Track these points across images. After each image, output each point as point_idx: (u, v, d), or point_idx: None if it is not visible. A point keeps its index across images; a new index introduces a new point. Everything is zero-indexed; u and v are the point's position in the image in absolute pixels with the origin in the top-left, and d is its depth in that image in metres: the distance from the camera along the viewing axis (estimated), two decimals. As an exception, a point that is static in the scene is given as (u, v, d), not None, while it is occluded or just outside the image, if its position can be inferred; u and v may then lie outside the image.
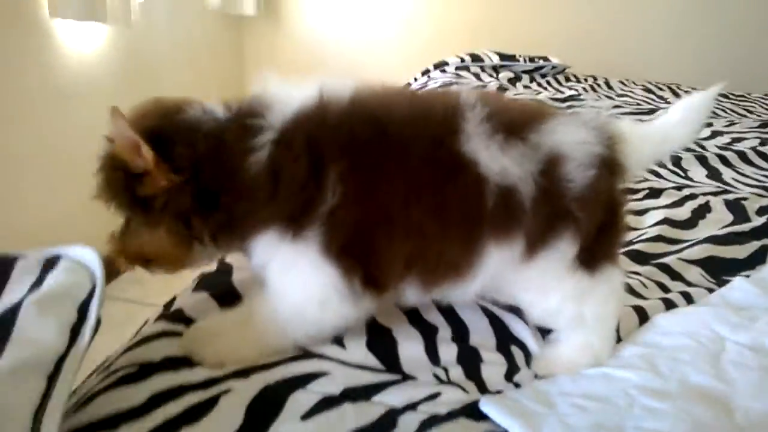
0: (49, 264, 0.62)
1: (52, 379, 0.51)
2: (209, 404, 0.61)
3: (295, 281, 0.66)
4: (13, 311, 0.54)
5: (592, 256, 0.68)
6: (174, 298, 0.83)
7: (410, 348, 0.73)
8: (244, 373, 0.66)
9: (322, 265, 0.63)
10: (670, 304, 0.88)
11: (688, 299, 0.90)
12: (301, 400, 0.62)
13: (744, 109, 2.09)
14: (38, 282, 0.59)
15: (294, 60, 3.00)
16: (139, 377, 0.64)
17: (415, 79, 2.23)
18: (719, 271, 0.99)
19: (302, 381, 0.65)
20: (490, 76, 2.21)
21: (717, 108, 2.08)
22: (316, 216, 0.61)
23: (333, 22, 2.91)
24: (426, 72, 2.26)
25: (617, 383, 0.70)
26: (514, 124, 0.64)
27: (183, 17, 2.59)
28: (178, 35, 2.56)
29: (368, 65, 2.92)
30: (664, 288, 0.93)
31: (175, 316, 0.76)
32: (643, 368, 0.72)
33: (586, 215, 0.65)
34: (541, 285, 0.70)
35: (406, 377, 0.68)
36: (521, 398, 0.66)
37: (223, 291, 0.81)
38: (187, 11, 2.62)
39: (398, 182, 0.62)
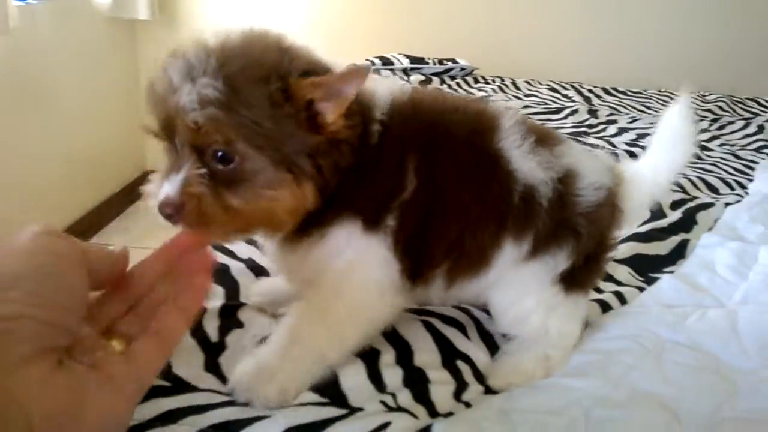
0: None
1: None
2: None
3: (362, 273, 0.64)
4: None
5: (573, 279, 0.72)
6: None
7: (352, 377, 0.68)
8: (171, 418, 0.59)
9: (390, 257, 0.64)
10: (605, 306, 0.88)
11: (621, 299, 0.91)
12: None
13: (643, 106, 2.18)
14: None
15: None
16: None
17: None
18: (645, 268, 1.01)
19: (240, 426, 0.59)
20: (401, 79, 2.19)
21: (618, 104, 2.17)
22: (393, 209, 0.63)
23: (231, 24, 2.80)
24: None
25: (571, 394, 0.68)
26: (542, 134, 0.71)
27: (69, 22, 2.40)
28: (66, 41, 2.37)
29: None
30: (597, 288, 0.93)
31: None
32: (595, 376, 0.71)
33: (587, 233, 0.70)
34: (524, 287, 0.72)
35: (352, 410, 0.63)
36: (480, 420, 0.63)
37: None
38: (73, 16, 2.43)
39: (454, 174, 0.65)
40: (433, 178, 0.63)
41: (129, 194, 2.88)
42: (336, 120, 0.58)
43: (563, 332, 0.74)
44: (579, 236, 0.70)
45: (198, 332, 0.72)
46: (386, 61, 2.26)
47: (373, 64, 2.23)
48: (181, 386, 0.65)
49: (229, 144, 0.54)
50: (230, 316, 0.76)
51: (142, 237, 2.65)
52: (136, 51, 2.87)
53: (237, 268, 0.86)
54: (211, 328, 0.73)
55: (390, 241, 0.63)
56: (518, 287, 0.72)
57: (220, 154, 0.54)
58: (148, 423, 0.59)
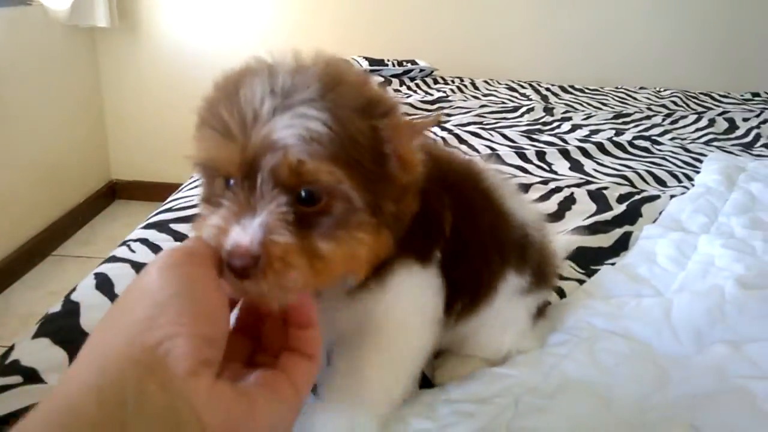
0: None
1: None
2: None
3: (422, 306, 0.62)
4: None
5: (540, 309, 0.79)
6: (10, 348, 0.72)
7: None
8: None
9: (440, 286, 0.62)
10: (544, 300, 0.89)
11: (561, 294, 0.91)
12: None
13: (599, 102, 2.21)
14: None
15: (156, 72, 2.84)
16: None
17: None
18: (587, 261, 1.02)
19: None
20: (360, 81, 2.19)
21: (574, 102, 2.20)
22: (439, 245, 0.61)
23: (193, 31, 2.78)
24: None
25: (503, 382, 0.69)
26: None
27: (25, 30, 2.37)
28: (22, 50, 2.34)
29: (236, 75, 2.82)
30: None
31: (10, 368, 0.66)
32: (528, 366, 0.71)
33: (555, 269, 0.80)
34: (513, 320, 0.75)
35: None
36: (406, 415, 0.63)
37: (70, 335, 0.72)
38: (31, 24, 2.40)
39: (473, 212, 0.66)
40: (461, 216, 0.63)
41: (92, 205, 2.85)
42: (418, 164, 0.54)
43: (521, 350, 0.77)
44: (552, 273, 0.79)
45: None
46: (373, 62, 2.27)
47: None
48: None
49: (334, 185, 0.45)
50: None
51: (105, 249, 2.61)
52: (96, 59, 2.84)
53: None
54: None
55: (439, 272, 0.62)
56: (506, 320, 0.74)
57: (305, 193, 0.45)
58: None
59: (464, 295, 0.67)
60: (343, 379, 0.59)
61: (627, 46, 2.69)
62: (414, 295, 0.60)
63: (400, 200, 0.52)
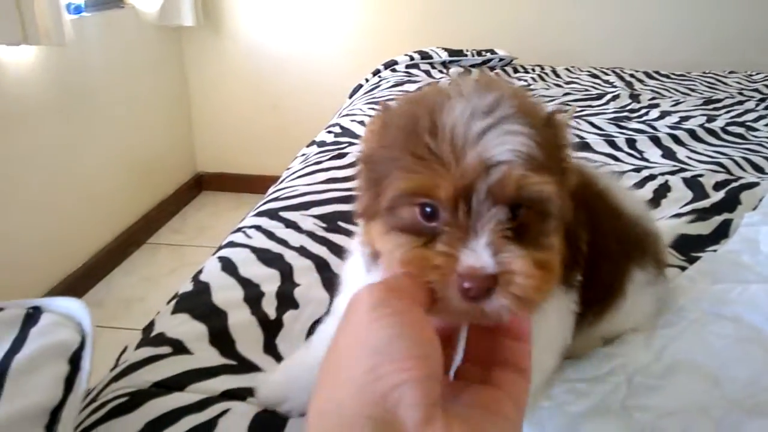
0: (30, 318, 0.60)
1: (50, 428, 0.50)
2: (209, 427, 0.59)
3: (559, 334, 0.63)
4: (1, 373, 0.52)
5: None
6: (151, 323, 0.80)
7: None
8: (240, 394, 0.65)
9: (572, 314, 0.63)
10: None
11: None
12: (298, 427, 0.61)
13: (687, 88, 2.16)
14: (21, 338, 0.57)
15: (238, 69, 2.95)
16: (130, 406, 0.62)
17: (367, 80, 2.23)
18: (688, 248, 1.02)
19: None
20: (440, 72, 2.22)
21: (661, 88, 2.15)
22: (580, 265, 0.61)
23: (276, 27, 2.87)
24: (377, 72, 2.26)
25: (614, 361, 0.71)
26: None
27: (119, 32, 2.51)
28: (116, 51, 2.49)
29: (316, 70, 2.90)
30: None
31: (158, 340, 0.73)
32: (637, 346, 0.73)
33: None
34: (639, 312, 0.78)
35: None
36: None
37: (206, 311, 0.78)
38: (122, 26, 2.54)
39: (603, 226, 0.66)
40: (591, 230, 0.62)
41: (181, 196, 2.99)
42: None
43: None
44: None
45: (258, 312, 0.78)
46: (425, 55, 2.29)
47: (412, 58, 2.27)
48: (245, 365, 0.71)
49: (549, 195, 0.45)
50: (286, 297, 0.82)
51: (195, 237, 2.75)
52: (183, 58, 2.98)
53: (290, 255, 0.92)
54: (270, 308, 0.79)
55: (576, 297, 0.62)
56: (634, 312, 0.75)
57: (514, 208, 0.45)
58: (219, 397, 0.65)
59: (595, 306, 0.66)
60: None
61: (714, 30, 2.60)
62: (558, 319, 0.61)
63: (568, 201, 0.51)
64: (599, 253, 0.63)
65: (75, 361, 0.57)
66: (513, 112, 0.45)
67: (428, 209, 0.45)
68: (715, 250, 1.01)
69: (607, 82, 2.21)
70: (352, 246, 0.63)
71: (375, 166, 0.49)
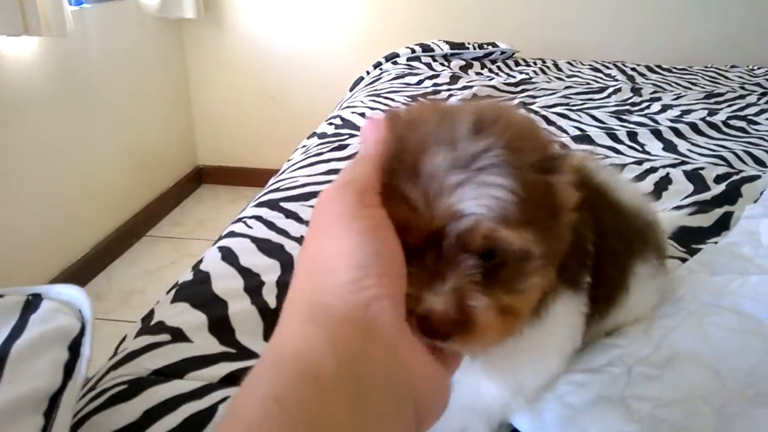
0: (30, 305, 0.60)
1: (49, 414, 0.50)
2: (208, 414, 0.59)
3: (570, 336, 0.63)
4: (1, 359, 0.52)
5: None
6: (151, 312, 0.80)
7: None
8: (239, 380, 0.65)
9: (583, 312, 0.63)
10: (647, 276, 0.90)
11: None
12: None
13: (688, 82, 2.15)
14: (20, 325, 0.57)
15: (239, 61, 2.95)
16: (130, 394, 0.62)
17: (368, 73, 2.22)
18: (688, 240, 1.02)
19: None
20: (442, 65, 2.22)
21: (662, 82, 2.15)
22: (588, 267, 0.62)
23: (277, 20, 2.87)
24: (378, 65, 2.25)
25: (613, 351, 0.71)
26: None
27: (120, 24, 2.51)
28: (116, 42, 2.48)
29: (316, 62, 2.89)
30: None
31: (157, 328, 0.73)
32: (637, 337, 0.73)
33: None
34: (642, 305, 0.78)
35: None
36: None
37: (206, 300, 0.78)
38: (123, 17, 2.54)
39: (604, 223, 0.64)
40: (595, 229, 0.62)
41: (181, 189, 2.99)
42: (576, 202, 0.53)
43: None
44: None
45: (258, 301, 0.78)
46: (426, 48, 2.29)
47: (413, 51, 2.26)
48: (244, 353, 0.71)
49: (518, 249, 0.45)
50: (286, 285, 0.81)
51: (194, 230, 2.76)
52: (183, 51, 2.97)
53: (291, 245, 0.92)
54: (271, 297, 0.79)
55: (585, 298, 0.62)
56: (638, 305, 0.76)
57: (486, 252, 0.45)
58: (219, 384, 0.65)
59: (601, 303, 0.66)
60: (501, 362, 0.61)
61: (716, 24, 2.60)
62: (568, 324, 0.62)
63: (563, 239, 0.51)
64: (602, 251, 0.63)
65: (75, 347, 0.57)
66: (498, 161, 0.44)
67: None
68: (715, 242, 1.01)
69: (608, 75, 2.20)
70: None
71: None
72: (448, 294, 0.44)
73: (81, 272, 2.25)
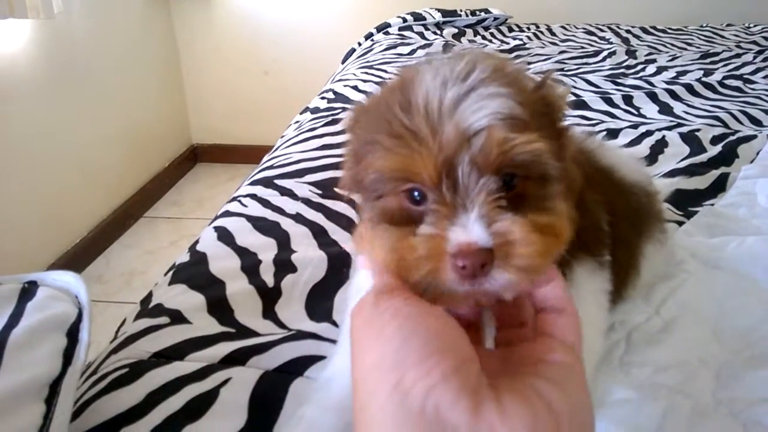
0: (26, 292, 0.60)
1: (50, 401, 0.50)
2: (210, 397, 0.60)
3: (600, 308, 0.62)
4: None
5: None
6: (149, 295, 0.80)
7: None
8: (240, 359, 0.65)
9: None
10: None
11: (661, 233, 0.92)
12: (301, 391, 0.61)
13: (683, 43, 2.13)
14: (17, 314, 0.57)
15: (229, 36, 2.90)
16: (131, 377, 0.62)
17: (359, 44, 2.19)
18: (685, 203, 1.01)
19: (300, 366, 0.64)
20: (434, 33, 2.19)
21: (657, 43, 2.12)
22: (607, 243, 0.61)
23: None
24: (369, 36, 2.23)
25: (613, 318, 0.71)
26: None
27: (107, 3, 2.47)
28: (104, 22, 2.44)
29: (307, 35, 2.85)
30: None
31: (156, 310, 0.73)
32: (636, 301, 0.74)
33: None
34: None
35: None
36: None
37: (203, 281, 0.78)
38: (110, -2, 2.50)
39: (616, 207, 0.64)
40: (611, 210, 0.62)
41: (177, 169, 2.98)
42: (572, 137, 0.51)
43: None
44: None
45: (256, 280, 0.78)
46: (418, 17, 2.26)
47: (405, 20, 2.23)
48: (244, 332, 0.71)
49: (538, 156, 0.42)
50: (284, 263, 0.82)
51: (192, 210, 2.75)
52: (172, 28, 2.93)
53: (286, 223, 0.92)
54: (268, 276, 0.79)
55: (608, 275, 0.61)
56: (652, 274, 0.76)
57: (505, 178, 0.42)
58: (219, 364, 0.65)
59: (615, 288, 0.65)
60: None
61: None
62: (596, 302, 0.60)
63: (570, 176, 0.49)
64: (615, 237, 0.62)
65: (73, 333, 0.57)
66: (489, 74, 0.43)
67: (415, 193, 0.42)
68: (712, 204, 1.01)
69: (603, 38, 2.18)
70: (358, 264, 0.61)
71: (355, 150, 0.48)
72: (475, 222, 0.39)
73: (80, 256, 2.25)
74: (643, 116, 1.42)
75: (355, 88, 1.57)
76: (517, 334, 0.43)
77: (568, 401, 0.34)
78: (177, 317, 0.71)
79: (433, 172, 0.41)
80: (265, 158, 1.23)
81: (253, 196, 1.01)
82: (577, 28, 2.33)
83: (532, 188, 0.43)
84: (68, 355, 0.55)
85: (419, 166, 0.41)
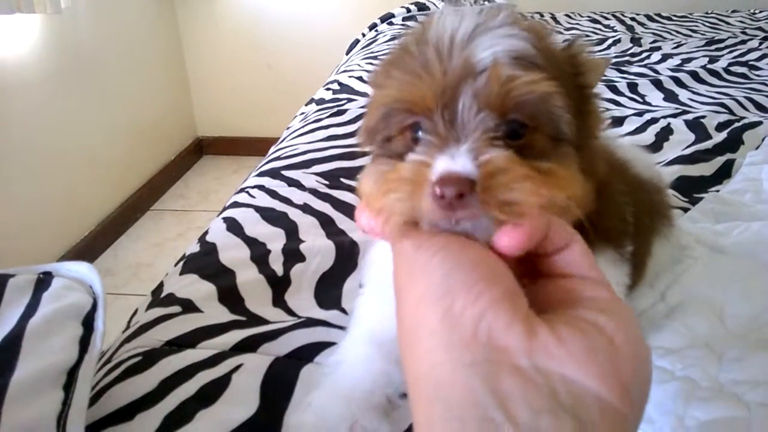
0: (42, 283, 0.61)
1: (68, 388, 0.51)
2: (222, 383, 0.61)
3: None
4: (17, 337, 0.53)
5: None
6: (160, 285, 0.81)
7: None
8: (251, 346, 0.66)
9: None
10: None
11: (666, 220, 0.93)
12: (311, 377, 0.62)
13: (688, 30, 2.12)
14: (34, 304, 0.58)
15: (233, 29, 2.91)
16: (144, 365, 0.63)
17: (363, 35, 2.19)
18: (690, 189, 1.02)
19: (310, 353, 0.65)
20: (438, 23, 2.18)
21: (662, 30, 2.12)
22: (630, 242, 0.60)
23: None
24: (373, 26, 2.22)
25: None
26: None
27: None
28: (111, 17, 2.45)
29: (311, 26, 2.85)
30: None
31: (168, 300, 0.75)
32: (642, 288, 0.74)
33: None
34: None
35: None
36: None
37: (214, 271, 0.79)
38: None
39: (636, 203, 0.62)
40: (634, 202, 0.62)
41: (183, 162, 2.99)
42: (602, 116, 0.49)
43: None
44: None
45: (266, 270, 0.79)
46: (422, 6, 2.26)
47: (409, 10, 2.23)
48: (254, 320, 0.72)
49: (546, 101, 0.40)
50: (292, 253, 0.83)
51: (199, 202, 2.76)
52: (176, 22, 2.93)
53: (294, 213, 0.93)
54: (277, 265, 0.80)
55: (628, 269, 0.60)
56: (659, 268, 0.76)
57: (510, 124, 0.40)
58: (231, 351, 0.66)
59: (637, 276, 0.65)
60: None
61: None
62: (619, 291, 0.58)
63: (593, 153, 0.47)
64: (637, 232, 0.61)
65: (88, 322, 0.58)
66: (511, 19, 0.42)
67: (419, 132, 0.41)
68: (717, 191, 1.01)
69: (607, 26, 2.17)
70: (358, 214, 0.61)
71: (372, 98, 0.47)
72: (463, 153, 0.38)
73: (88, 249, 2.27)
74: (648, 104, 1.42)
75: (360, 78, 1.57)
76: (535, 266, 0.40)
77: (621, 325, 0.33)
78: (188, 306, 0.72)
79: (432, 101, 0.40)
80: (272, 150, 1.24)
81: (261, 187, 1.02)
82: (581, 16, 2.32)
83: (540, 142, 0.41)
84: (84, 344, 0.56)
85: (420, 93, 0.40)
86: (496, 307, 0.32)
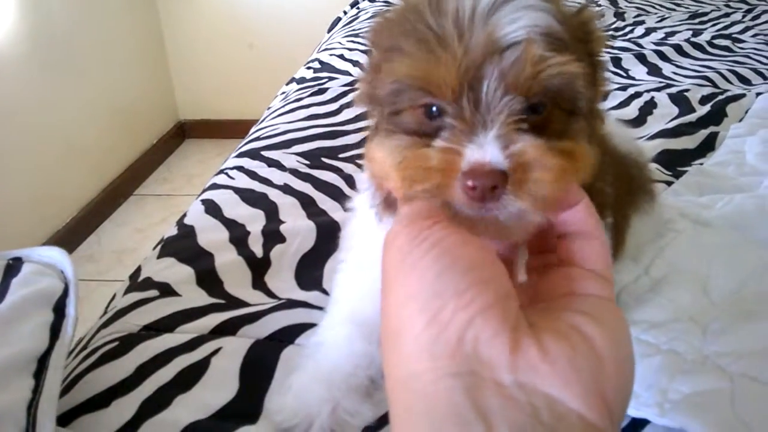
0: (11, 269, 0.59)
1: (38, 375, 0.50)
2: (201, 367, 0.60)
3: None
4: None
5: None
6: (138, 269, 0.79)
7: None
8: (230, 329, 0.65)
9: None
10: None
11: (650, 194, 0.92)
12: (291, 359, 0.61)
13: (672, 3, 2.11)
14: (2, 290, 0.57)
15: (212, 11, 2.86)
16: (121, 351, 0.62)
17: (345, 12, 2.16)
18: (674, 163, 1.01)
19: (290, 334, 0.64)
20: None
21: (646, 4, 2.10)
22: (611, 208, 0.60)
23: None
24: (355, 3, 2.19)
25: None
26: None
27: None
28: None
29: (291, 5, 2.81)
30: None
31: (145, 284, 0.73)
32: (626, 262, 0.74)
33: None
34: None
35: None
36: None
37: (192, 254, 0.78)
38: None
39: (615, 180, 0.61)
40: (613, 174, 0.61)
41: (165, 146, 2.95)
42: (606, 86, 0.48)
43: None
44: None
45: (245, 251, 0.78)
46: None
47: None
48: (234, 302, 0.71)
49: (572, 82, 0.39)
50: (272, 234, 0.81)
51: (182, 186, 2.73)
52: (155, 3, 2.88)
53: (274, 194, 0.91)
54: (257, 246, 0.79)
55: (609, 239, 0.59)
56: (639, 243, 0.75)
57: (533, 102, 0.39)
58: (210, 335, 0.65)
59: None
60: None
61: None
62: None
63: (597, 117, 0.47)
64: (617, 212, 0.61)
65: (60, 308, 0.57)
66: None
67: (433, 109, 0.39)
68: (701, 164, 1.01)
69: (591, 1, 2.15)
70: (356, 203, 0.59)
71: (375, 60, 0.44)
72: (493, 142, 0.36)
73: (71, 235, 2.23)
74: (632, 78, 1.41)
75: (341, 56, 1.55)
76: (546, 259, 0.40)
77: (608, 336, 0.33)
78: (166, 290, 0.71)
79: (455, 82, 0.38)
80: (252, 130, 1.22)
81: (240, 168, 1.00)
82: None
83: (557, 119, 0.41)
84: (55, 330, 0.55)
85: (440, 73, 0.38)
86: (485, 315, 0.31)
